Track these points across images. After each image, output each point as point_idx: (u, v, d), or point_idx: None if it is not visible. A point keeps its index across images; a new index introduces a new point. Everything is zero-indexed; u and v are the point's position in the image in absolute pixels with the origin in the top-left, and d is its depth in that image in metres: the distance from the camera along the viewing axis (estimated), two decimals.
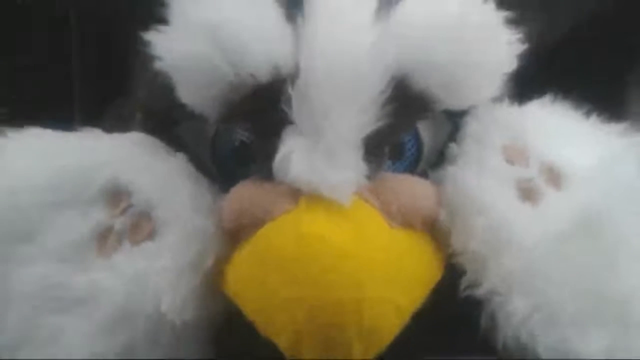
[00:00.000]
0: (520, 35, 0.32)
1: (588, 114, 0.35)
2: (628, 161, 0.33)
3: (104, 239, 0.31)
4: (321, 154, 0.29)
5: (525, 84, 0.35)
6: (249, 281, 0.29)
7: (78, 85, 0.51)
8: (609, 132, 0.35)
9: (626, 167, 0.33)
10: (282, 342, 0.28)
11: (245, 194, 0.31)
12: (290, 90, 0.29)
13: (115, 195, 0.32)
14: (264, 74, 0.30)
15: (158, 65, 0.31)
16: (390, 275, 0.28)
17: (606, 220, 0.30)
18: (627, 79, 0.49)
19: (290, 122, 0.30)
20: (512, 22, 0.32)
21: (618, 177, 0.32)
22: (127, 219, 0.31)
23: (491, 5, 0.32)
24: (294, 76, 0.29)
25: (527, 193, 0.32)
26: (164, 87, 0.31)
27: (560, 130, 0.34)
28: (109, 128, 0.35)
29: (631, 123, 0.35)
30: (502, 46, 0.32)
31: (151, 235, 0.31)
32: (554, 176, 0.32)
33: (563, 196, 0.32)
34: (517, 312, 0.29)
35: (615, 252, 0.30)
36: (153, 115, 0.35)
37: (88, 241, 0.31)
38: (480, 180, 0.31)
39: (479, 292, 0.30)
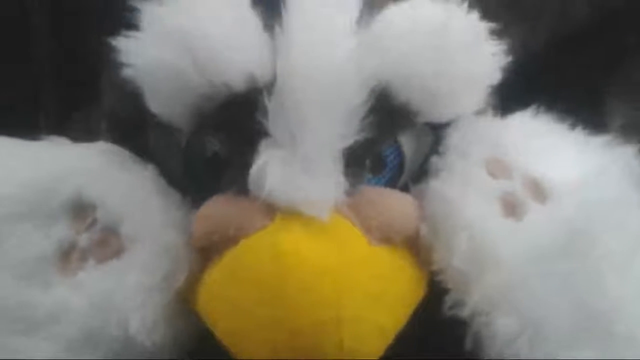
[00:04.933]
0: (503, 47, 0.32)
1: (571, 126, 0.35)
2: (611, 174, 0.33)
3: (68, 256, 0.30)
4: (298, 167, 0.28)
5: (508, 96, 0.34)
6: (221, 301, 0.28)
7: (44, 92, 0.50)
8: (592, 145, 0.34)
9: (609, 180, 0.32)
10: None
11: (218, 209, 0.30)
12: (266, 100, 0.28)
13: (80, 210, 0.31)
14: (238, 84, 0.29)
15: (126, 72, 0.30)
16: (371, 294, 0.28)
17: (590, 235, 0.30)
18: (605, 90, 0.49)
19: (266, 134, 0.29)
20: (495, 34, 0.32)
21: (601, 191, 0.32)
22: (92, 235, 0.30)
23: (475, 16, 0.31)
24: (270, 86, 0.29)
25: (511, 208, 0.31)
26: (132, 95, 0.30)
27: (543, 143, 0.34)
28: (76, 137, 0.34)
29: (611, 135, 0.35)
30: (485, 58, 0.32)
31: (118, 253, 0.30)
32: (538, 190, 0.32)
33: (547, 210, 0.31)
34: (503, 331, 0.28)
35: (600, 268, 0.29)
36: (121, 123, 0.34)
37: (51, 258, 0.30)
38: (463, 194, 0.31)
39: (464, 311, 0.29)
